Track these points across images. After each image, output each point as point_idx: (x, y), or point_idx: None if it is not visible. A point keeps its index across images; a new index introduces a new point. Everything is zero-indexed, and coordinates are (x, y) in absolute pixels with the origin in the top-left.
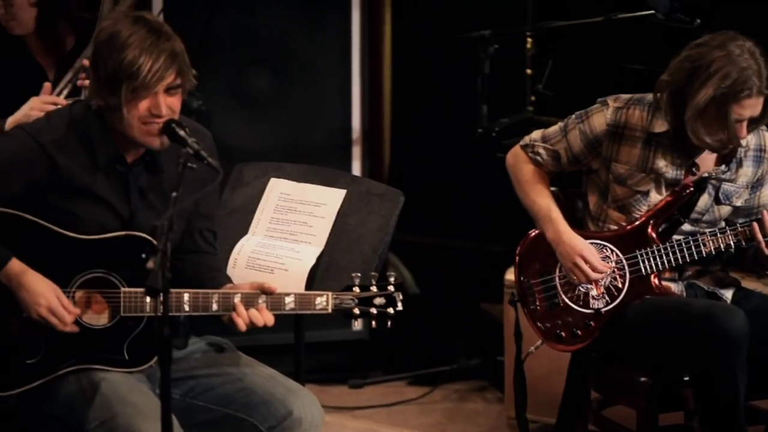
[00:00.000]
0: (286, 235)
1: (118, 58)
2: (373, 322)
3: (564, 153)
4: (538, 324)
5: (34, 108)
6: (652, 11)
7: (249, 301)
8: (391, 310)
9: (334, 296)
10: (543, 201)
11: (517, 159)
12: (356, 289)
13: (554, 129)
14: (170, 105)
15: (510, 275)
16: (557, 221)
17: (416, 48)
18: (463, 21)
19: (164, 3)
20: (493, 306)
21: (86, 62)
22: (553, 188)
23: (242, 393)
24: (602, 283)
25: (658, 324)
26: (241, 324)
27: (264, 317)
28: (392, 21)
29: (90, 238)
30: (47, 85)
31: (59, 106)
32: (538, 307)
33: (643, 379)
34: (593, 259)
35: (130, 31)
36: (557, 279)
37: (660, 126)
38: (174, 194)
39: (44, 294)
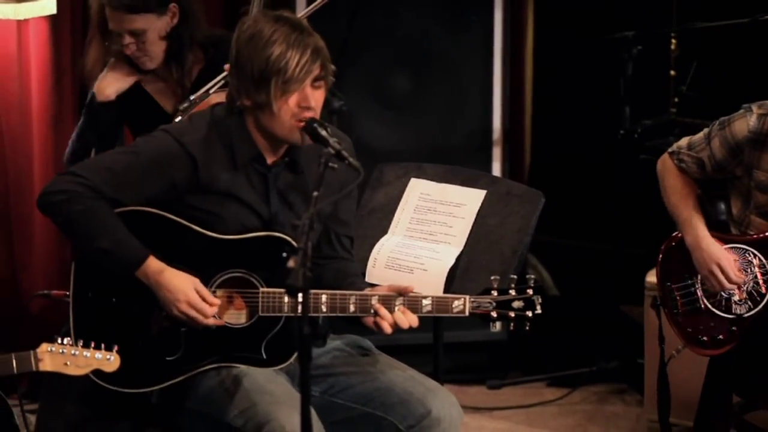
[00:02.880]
0: (425, 235)
1: (265, 54)
2: (511, 325)
3: (708, 161)
4: (680, 328)
5: None
6: None
7: (386, 303)
8: (529, 314)
9: (472, 299)
10: (685, 206)
11: (664, 166)
12: (494, 293)
13: (699, 136)
14: (317, 98)
15: (650, 277)
16: (697, 227)
17: (558, 49)
18: (606, 22)
19: (308, 4)
20: (634, 308)
21: (228, 67)
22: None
23: (381, 392)
24: (745, 288)
25: None
26: (387, 327)
27: (408, 319)
28: (535, 21)
29: (229, 237)
30: None
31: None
32: (680, 311)
33: None
34: (729, 268)
35: (272, 28)
36: (698, 283)
37: None
38: (315, 194)
39: (183, 290)
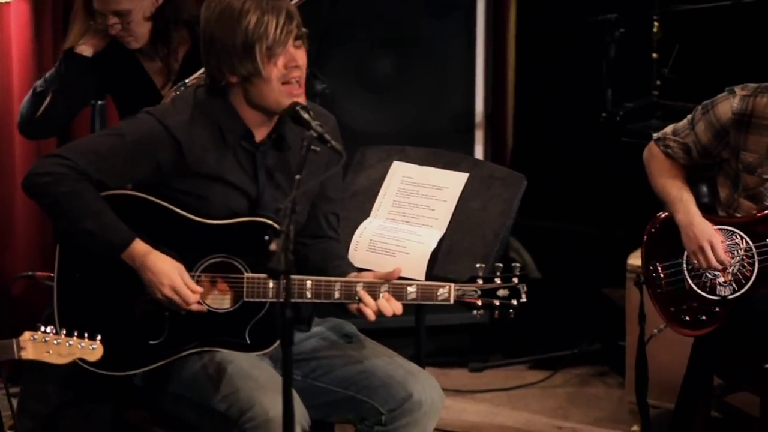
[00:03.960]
0: (407, 219)
1: (242, 25)
2: (496, 313)
3: (693, 146)
4: (663, 307)
5: None
6: None
7: (371, 290)
8: (514, 302)
9: (457, 288)
10: (673, 185)
11: (650, 153)
12: (479, 281)
13: (683, 123)
14: (301, 57)
15: (632, 260)
16: (688, 203)
17: (541, 31)
18: (588, 4)
19: None
20: (615, 291)
21: None
22: None
23: (363, 375)
24: (730, 270)
25: None
26: (370, 313)
27: (393, 306)
28: (517, 4)
29: (215, 222)
30: None
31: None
32: (664, 290)
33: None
34: (719, 247)
35: (240, 0)
36: (684, 263)
37: None
38: (297, 177)
39: (168, 274)
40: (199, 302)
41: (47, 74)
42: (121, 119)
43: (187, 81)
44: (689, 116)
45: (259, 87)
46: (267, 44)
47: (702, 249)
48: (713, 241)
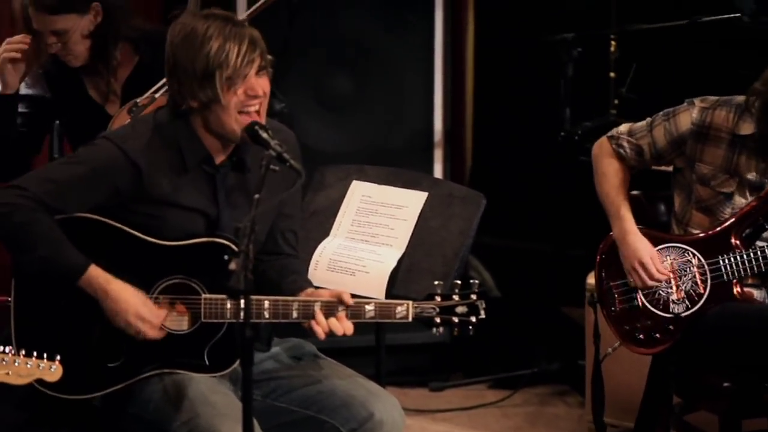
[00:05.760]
0: (367, 238)
1: (204, 51)
2: (455, 330)
3: (647, 148)
4: (617, 326)
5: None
6: (738, 14)
7: (329, 310)
8: (473, 319)
9: (415, 305)
10: (616, 197)
11: (601, 150)
12: (438, 298)
13: (641, 124)
14: (263, 86)
15: (591, 279)
16: (625, 220)
17: (499, 50)
18: (546, 24)
19: (248, 6)
20: (575, 310)
21: None
22: (636, 192)
23: (323, 395)
24: (683, 287)
25: (739, 330)
26: (320, 332)
27: (343, 326)
28: (475, 23)
29: (171, 244)
30: None
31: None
32: (618, 309)
33: (726, 384)
34: (650, 265)
35: (205, 25)
36: None
37: (746, 129)
38: (257, 196)
39: (132, 303)
40: (161, 327)
41: None
42: (67, 140)
43: (138, 100)
44: (648, 119)
45: (217, 113)
46: (227, 73)
47: (634, 269)
48: (644, 260)
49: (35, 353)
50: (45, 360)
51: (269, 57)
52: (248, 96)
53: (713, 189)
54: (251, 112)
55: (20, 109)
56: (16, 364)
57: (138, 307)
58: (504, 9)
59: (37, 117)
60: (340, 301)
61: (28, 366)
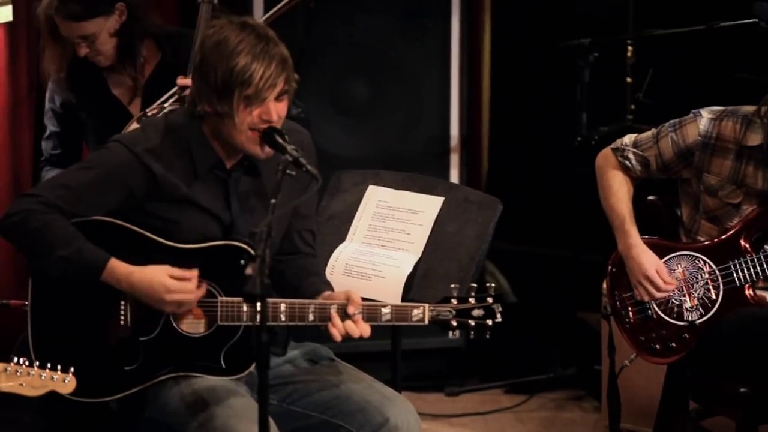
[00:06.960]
0: (383, 243)
1: (230, 65)
2: (471, 333)
3: (654, 160)
4: (632, 337)
5: None
6: (755, 20)
7: (345, 312)
8: (489, 322)
9: (431, 308)
10: (621, 210)
11: (606, 161)
12: (454, 301)
13: (647, 135)
14: (279, 111)
15: None
16: (629, 233)
17: (515, 56)
18: (563, 29)
19: (265, 11)
20: (591, 315)
21: (181, 81)
22: (652, 197)
23: (339, 400)
24: (696, 295)
25: (755, 335)
26: (337, 335)
27: (360, 328)
28: (492, 28)
29: (188, 247)
30: None
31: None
32: (632, 321)
33: (743, 389)
34: (656, 278)
35: (238, 37)
36: None
37: (754, 139)
38: (273, 201)
39: (159, 281)
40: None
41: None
42: (87, 142)
43: (147, 111)
44: (654, 130)
45: (228, 126)
46: (246, 92)
47: (640, 283)
48: (649, 275)
49: (49, 365)
50: (59, 372)
51: (294, 83)
52: (262, 120)
53: (721, 199)
54: (263, 130)
55: (51, 129)
56: (30, 375)
57: (166, 283)
58: (520, 14)
59: (69, 131)
60: (348, 299)
61: (42, 378)
